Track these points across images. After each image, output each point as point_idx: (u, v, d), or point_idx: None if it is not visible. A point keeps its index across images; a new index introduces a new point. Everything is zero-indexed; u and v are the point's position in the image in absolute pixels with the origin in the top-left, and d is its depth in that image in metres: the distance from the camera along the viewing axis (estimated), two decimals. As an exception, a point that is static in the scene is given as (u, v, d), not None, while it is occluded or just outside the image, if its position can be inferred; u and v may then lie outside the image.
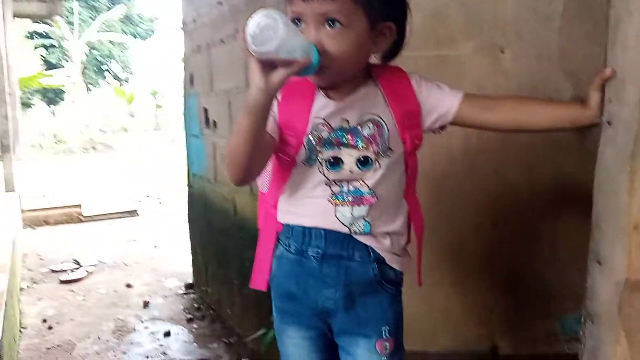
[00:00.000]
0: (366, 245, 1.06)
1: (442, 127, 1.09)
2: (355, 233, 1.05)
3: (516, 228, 1.54)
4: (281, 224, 1.11)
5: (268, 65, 0.85)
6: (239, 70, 2.36)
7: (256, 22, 0.81)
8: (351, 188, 1.04)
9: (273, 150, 1.03)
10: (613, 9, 0.84)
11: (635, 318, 0.83)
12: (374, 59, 1.06)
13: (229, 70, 2.52)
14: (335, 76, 0.98)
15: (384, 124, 1.02)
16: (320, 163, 1.03)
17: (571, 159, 1.46)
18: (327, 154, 1.03)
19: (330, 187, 1.04)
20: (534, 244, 1.53)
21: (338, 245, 1.05)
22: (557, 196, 1.51)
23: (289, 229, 1.09)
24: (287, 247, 1.10)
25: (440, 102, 1.05)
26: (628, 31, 0.81)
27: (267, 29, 0.81)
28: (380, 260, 1.07)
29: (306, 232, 1.07)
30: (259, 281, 1.14)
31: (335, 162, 1.03)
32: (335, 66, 0.94)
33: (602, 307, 0.87)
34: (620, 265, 0.83)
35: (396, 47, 1.05)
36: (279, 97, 1.03)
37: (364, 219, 1.04)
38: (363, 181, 1.03)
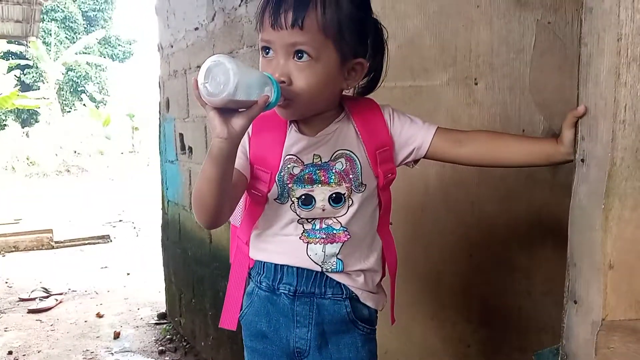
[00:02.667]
0: (339, 283, 1.03)
1: (416, 161, 1.07)
2: (328, 271, 1.02)
3: (492, 259, 1.53)
4: (253, 259, 1.08)
5: (227, 111, 0.81)
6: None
7: (206, 70, 0.78)
8: (323, 225, 1.01)
9: (245, 188, 1.00)
10: (584, 47, 0.84)
11: (612, 359, 0.81)
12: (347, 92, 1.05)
13: (205, 96, 2.49)
14: (302, 110, 0.96)
15: (356, 159, 1.00)
16: (292, 201, 1.00)
17: (544, 192, 1.46)
18: (299, 191, 1.00)
19: (302, 224, 1.01)
20: (510, 276, 1.52)
21: (310, 282, 1.02)
22: (531, 228, 1.51)
23: (261, 265, 1.06)
24: (258, 284, 1.06)
25: (413, 136, 1.03)
26: (600, 69, 0.81)
27: (218, 75, 0.77)
28: (353, 298, 1.04)
29: (278, 269, 1.03)
30: (228, 320, 1.10)
31: (308, 200, 1.00)
32: (302, 100, 0.91)
33: (579, 348, 0.85)
34: (597, 305, 0.81)
35: (372, 83, 1.03)
36: (250, 131, 1.00)
37: (337, 257, 1.02)
38: (335, 218, 1.01)
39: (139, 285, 4.19)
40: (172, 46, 3.00)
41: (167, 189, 3.30)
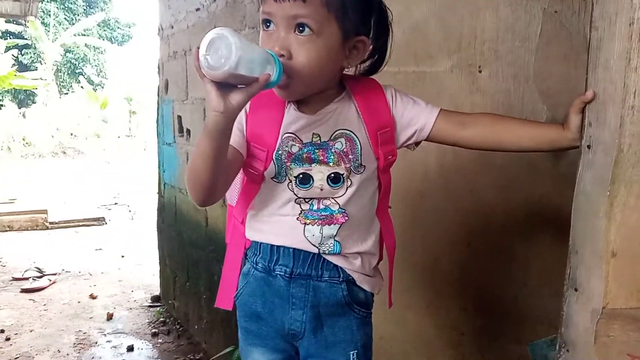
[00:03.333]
0: (336, 265, 1.02)
1: (417, 143, 1.05)
2: (325, 253, 1.00)
3: (490, 248, 1.52)
4: (249, 240, 1.07)
5: (225, 85, 0.78)
6: (214, 78, 2.31)
7: (208, 41, 0.76)
8: (321, 206, 0.99)
9: (241, 166, 0.98)
10: (595, 31, 0.82)
11: (611, 347, 0.80)
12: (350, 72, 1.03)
13: (204, 78, 2.47)
14: (301, 89, 0.93)
15: (356, 139, 0.98)
16: (290, 180, 0.98)
17: (545, 181, 1.45)
18: (297, 170, 0.98)
19: (299, 205, 0.99)
20: (507, 265, 1.52)
21: (306, 264, 1.00)
22: (530, 218, 1.50)
23: (257, 246, 1.05)
24: (254, 265, 1.05)
25: (416, 118, 1.01)
26: (610, 53, 0.80)
27: (220, 48, 0.75)
28: (350, 281, 1.03)
29: (274, 250, 1.02)
30: (224, 300, 1.08)
31: (305, 179, 0.98)
32: (302, 77, 0.89)
33: (578, 336, 0.85)
34: (597, 293, 0.81)
35: (375, 65, 1.02)
36: (248, 107, 0.98)
37: (334, 239, 1.00)
38: (334, 199, 0.99)
39: (133, 267, 4.18)
40: (172, 27, 2.97)
41: (163, 171, 3.28)
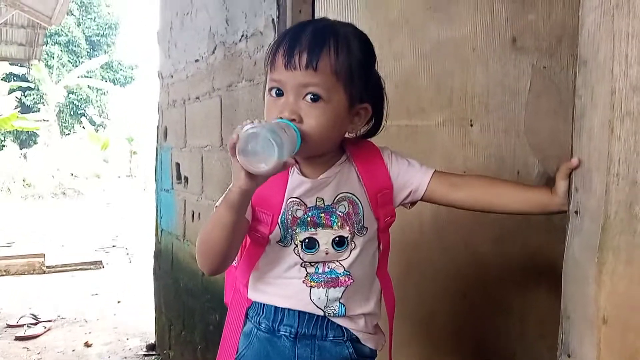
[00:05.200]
0: (340, 326, 1.03)
1: (413, 203, 1.08)
2: (330, 315, 1.02)
3: (486, 301, 1.51)
4: (251, 300, 1.07)
5: None
6: (213, 128, 2.35)
7: (247, 135, 0.79)
8: (326, 269, 1.01)
9: (246, 231, 0.99)
10: (579, 99, 0.84)
11: (606, 416, 0.79)
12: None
13: (203, 127, 2.50)
14: (310, 151, 0.95)
15: (359, 202, 1.00)
16: (296, 244, 1.00)
17: (539, 233, 1.46)
18: (303, 234, 1.00)
19: (305, 268, 1.01)
20: (504, 318, 1.50)
21: (311, 325, 1.01)
22: (526, 270, 1.50)
23: (260, 306, 1.05)
24: (257, 325, 1.05)
25: (411, 179, 1.04)
26: (593, 122, 0.81)
27: (259, 147, 0.79)
28: (354, 339, 1.04)
29: (278, 311, 1.02)
30: None
31: (311, 244, 1.00)
32: (311, 140, 0.91)
33: (573, 403, 0.84)
34: (590, 360, 0.80)
35: (373, 129, 1.04)
36: None
37: (339, 301, 1.01)
38: (338, 262, 1.01)
39: (129, 313, 4.11)
40: (172, 76, 3.02)
41: (161, 217, 3.27)
